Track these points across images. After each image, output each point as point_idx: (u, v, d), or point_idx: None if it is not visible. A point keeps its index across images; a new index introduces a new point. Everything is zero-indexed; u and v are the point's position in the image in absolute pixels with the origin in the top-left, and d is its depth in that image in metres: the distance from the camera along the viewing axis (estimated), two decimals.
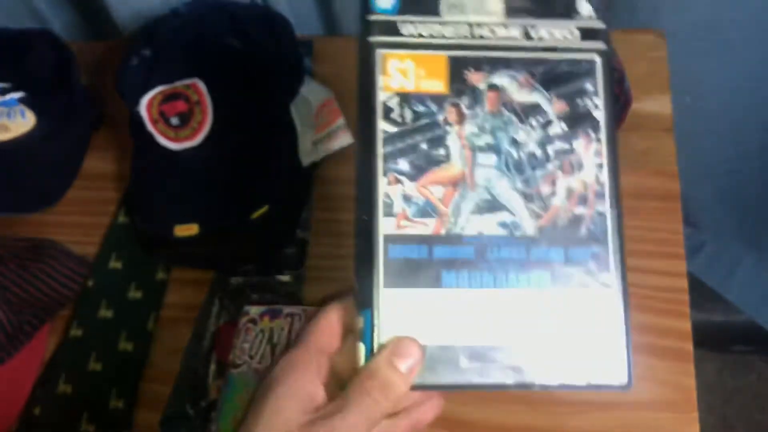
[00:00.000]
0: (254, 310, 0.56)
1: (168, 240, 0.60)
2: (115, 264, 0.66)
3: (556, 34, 0.38)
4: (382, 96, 0.36)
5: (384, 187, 0.35)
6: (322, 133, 0.66)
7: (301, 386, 0.35)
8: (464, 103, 0.36)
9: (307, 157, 0.64)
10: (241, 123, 0.65)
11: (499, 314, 0.34)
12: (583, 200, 0.36)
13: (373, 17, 0.37)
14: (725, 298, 1.04)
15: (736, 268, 1.04)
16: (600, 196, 0.36)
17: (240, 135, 0.64)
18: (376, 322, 0.34)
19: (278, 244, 0.62)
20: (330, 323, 0.37)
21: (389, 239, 0.35)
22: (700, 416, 1.24)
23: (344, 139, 0.67)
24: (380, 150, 0.35)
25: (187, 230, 0.59)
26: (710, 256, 1.04)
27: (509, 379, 0.34)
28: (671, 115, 0.67)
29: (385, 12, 0.37)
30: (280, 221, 0.62)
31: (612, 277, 0.35)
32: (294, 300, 0.60)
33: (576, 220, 0.36)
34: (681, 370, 0.56)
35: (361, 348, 0.34)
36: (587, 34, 0.38)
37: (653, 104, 0.67)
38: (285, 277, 0.61)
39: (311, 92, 0.68)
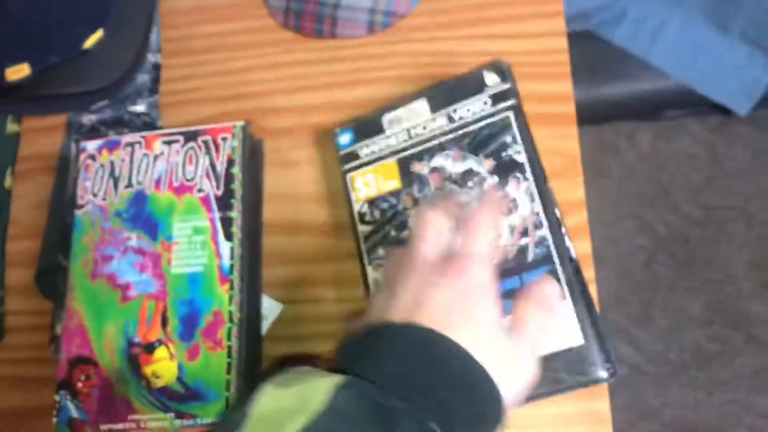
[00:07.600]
0: (91, 146, 0.53)
1: (1, 87, 0.54)
2: None
3: (473, 108, 0.46)
4: (356, 207, 0.47)
5: (371, 274, 0.46)
6: None
7: None
8: (415, 189, 0.46)
9: None
10: None
11: None
12: (525, 232, 0.43)
13: (341, 153, 0.49)
14: (652, 65, 1.00)
15: (660, 32, 0.99)
16: (538, 225, 0.42)
17: None
18: None
19: (125, 72, 0.56)
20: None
21: None
22: (637, 187, 1.19)
23: None
24: (363, 246, 0.46)
25: (17, 72, 0.54)
26: (634, 23, 0.99)
27: None
28: None
29: (345, 147, 0.49)
30: (119, 46, 0.56)
31: (563, 289, 0.41)
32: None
33: (522, 251, 0.42)
34: (564, 134, 0.50)
35: None
36: (498, 97, 0.46)
37: None
38: (139, 107, 0.57)
39: None
